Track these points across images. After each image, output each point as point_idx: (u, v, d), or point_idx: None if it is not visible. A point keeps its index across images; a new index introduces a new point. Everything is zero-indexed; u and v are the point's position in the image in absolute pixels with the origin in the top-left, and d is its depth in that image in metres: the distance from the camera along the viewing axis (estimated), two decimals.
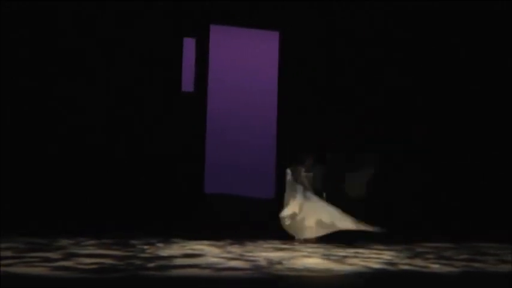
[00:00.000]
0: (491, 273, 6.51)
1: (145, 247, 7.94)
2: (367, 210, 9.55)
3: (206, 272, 5.86)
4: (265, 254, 7.59)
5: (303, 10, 12.19)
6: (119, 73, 11.51)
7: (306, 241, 9.20)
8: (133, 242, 8.50)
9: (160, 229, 10.26)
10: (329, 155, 9.75)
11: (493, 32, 12.95)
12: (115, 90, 11.49)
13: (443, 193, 12.59)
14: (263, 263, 6.67)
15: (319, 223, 9.23)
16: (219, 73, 11.87)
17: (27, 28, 10.98)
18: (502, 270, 6.72)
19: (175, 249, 7.77)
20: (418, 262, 7.17)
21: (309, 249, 8.35)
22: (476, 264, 7.18)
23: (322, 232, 9.26)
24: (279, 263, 6.71)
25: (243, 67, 11.55)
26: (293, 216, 9.27)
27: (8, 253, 6.76)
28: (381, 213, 12.11)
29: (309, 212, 9.26)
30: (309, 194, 9.32)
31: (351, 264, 6.75)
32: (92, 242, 8.36)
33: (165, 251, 7.53)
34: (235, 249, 8.01)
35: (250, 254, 7.49)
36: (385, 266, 6.69)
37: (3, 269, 5.59)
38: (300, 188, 9.33)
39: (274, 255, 7.50)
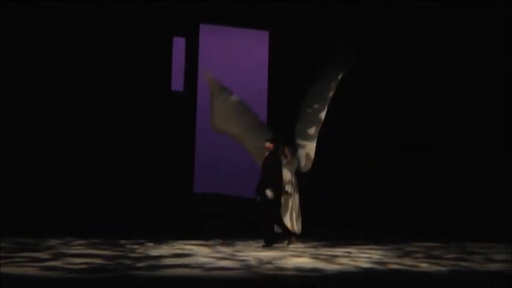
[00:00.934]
0: (479, 272, 6.55)
1: (135, 247, 7.92)
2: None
3: (196, 272, 5.85)
4: (255, 253, 7.60)
5: (293, 10, 12.18)
6: (109, 72, 11.46)
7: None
8: (122, 241, 8.48)
9: (150, 229, 10.23)
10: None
11: (493, 32, 12.97)
12: (104, 89, 11.43)
13: (430, 193, 12.66)
14: (253, 262, 6.68)
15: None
16: None
17: (18, 30, 10.94)
18: (490, 269, 6.76)
19: (165, 249, 7.76)
20: (407, 261, 7.19)
21: (299, 249, 8.36)
22: (464, 263, 7.22)
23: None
24: (269, 262, 6.71)
25: (233, 66, 11.53)
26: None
27: None
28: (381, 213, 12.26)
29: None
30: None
31: (340, 264, 6.76)
32: (81, 241, 8.34)
33: (155, 251, 7.52)
34: (225, 249, 8.02)
35: (240, 254, 7.50)
36: (374, 266, 6.70)
37: None
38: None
39: (264, 254, 7.50)
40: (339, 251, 8.20)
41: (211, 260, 6.82)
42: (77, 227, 10.14)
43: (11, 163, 10.65)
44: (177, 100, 11.86)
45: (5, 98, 10.83)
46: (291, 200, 8.91)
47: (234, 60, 11.74)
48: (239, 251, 7.81)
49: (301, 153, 9.31)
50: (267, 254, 7.54)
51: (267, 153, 8.76)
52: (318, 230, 10.26)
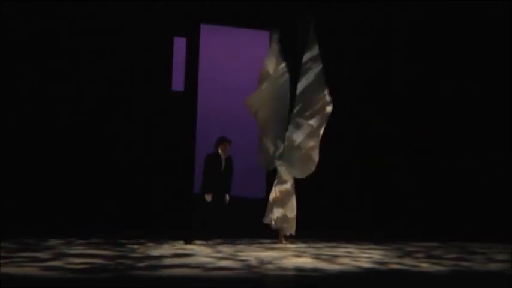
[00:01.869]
0: (479, 272, 6.54)
1: (135, 247, 7.92)
2: None
3: (197, 272, 5.84)
4: (255, 253, 7.60)
5: (293, 10, 12.15)
6: (109, 72, 11.42)
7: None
8: (123, 241, 8.48)
9: (151, 229, 10.23)
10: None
11: (493, 31, 12.91)
12: (105, 89, 11.42)
13: (429, 193, 12.67)
14: (254, 262, 6.67)
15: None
16: (209, 72, 11.72)
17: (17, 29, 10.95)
18: (490, 269, 6.76)
19: (166, 249, 7.76)
20: (408, 261, 7.19)
21: (300, 249, 8.37)
22: (465, 263, 7.22)
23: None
24: (270, 262, 6.71)
25: (233, 67, 11.51)
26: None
27: None
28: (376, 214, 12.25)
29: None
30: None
31: (341, 264, 6.75)
32: (82, 241, 8.34)
33: (156, 251, 7.51)
34: (226, 249, 8.02)
35: (240, 254, 7.49)
36: (375, 265, 6.70)
37: None
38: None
39: (265, 254, 7.50)
40: (339, 251, 8.20)
41: (212, 260, 6.81)
42: (77, 227, 10.13)
43: (11, 163, 10.64)
44: (178, 100, 11.80)
45: (5, 99, 10.82)
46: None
47: (234, 60, 11.72)
48: (240, 251, 7.81)
49: (300, 156, 9.35)
50: (267, 254, 7.53)
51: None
52: (318, 230, 10.26)
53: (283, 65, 9.75)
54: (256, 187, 11.38)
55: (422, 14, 12.94)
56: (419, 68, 13.01)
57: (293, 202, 9.23)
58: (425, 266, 6.82)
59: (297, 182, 9.45)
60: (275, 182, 9.46)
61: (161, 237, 9.11)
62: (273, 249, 8.30)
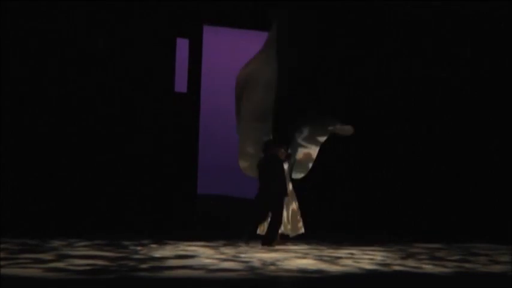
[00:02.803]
0: (483, 274, 6.52)
1: (138, 248, 7.91)
2: None
3: (199, 273, 5.83)
4: (258, 255, 7.58)
5: (297, 11, 12.13)
6: (112, 73, 11.44)
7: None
8: (125, 243, 8.47)
9: (153, 230, 10.18)
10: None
11: (490, 32, 13.00)
12: (108, 90, 11.42)
13: (435, 194, 12.61)
14: (257, 264, 6.65)
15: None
16: (212, 74, 11.88)
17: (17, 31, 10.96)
18: (494, 271, 6.73)
19: (168, 251, 7.75)
20: (411, 263, 7.16)
21: (303, 250, 8.34)
22: (468, 265, 7.18)
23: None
24: (273, 264, 6.68)
25: (236, 68, 11.51)
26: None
27: (0, 254, 6.72)
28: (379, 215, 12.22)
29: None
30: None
31: (344, 266, 6.73)
32: (84, 243, 8.34)
33: (158, 252, 7.50)
34: (229, 250, 8.00)
35: (243, 255, 7.47)
36: (378, 267, 6.67)
37: None
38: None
39: (268, 256, 7.48)
40: (342, 252, 8.16)
41: (215, 261, 6.79)
42: (80, 228, 10.08)
43: (14, 164, 10.64)
44: (181, 102, 11.81)
45: (5, 100, 10.79)
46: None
47: (237, 62, 11.73)
48: (243, 253, 7.78)
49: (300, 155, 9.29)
50: (270, 256, 7.50)
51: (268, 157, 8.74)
52: (321, 231, 10.23)
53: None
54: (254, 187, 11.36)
55: (421, 15, 12.96)
56: (419, 67, 13.01)
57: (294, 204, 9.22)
58: (428, 267, 6.79)
59: (298, 184, 9.42)
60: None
61: (164, 238, 9.08)
62: (275, 250, 8.26)
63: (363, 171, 12.44)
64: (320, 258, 7.34)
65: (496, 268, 6.95)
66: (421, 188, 12.63)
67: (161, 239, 9.02)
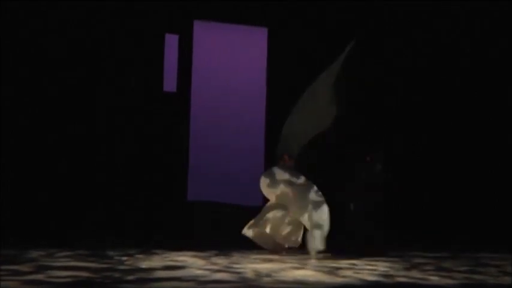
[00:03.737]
0: (492, 286, 6.31)
1: (124, 258, 7.73)
2: None
3: (189, 285, 5.62)
4: (252, 265, 7.41)
5: (293, 5, 12.10)
6: (96, 72, 11.29)
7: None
8: (110, 253, 8.31)
9: (140, 239, 10.11)
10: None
11: (488, 31, 12.97)
12: (91, 90, 11.27)
13: (439, 201, 12.49)
14: (250, 275, 6.46)
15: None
16: (203, 72, 11.68)
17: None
18: (504, 283, 6.50)
19: (156, 261, 7.58)
20: (416, 274, 6.94)
21: (300, 260, 8.15)
22: (477, 276, 6.96)
23: None
24: (268, 275, 6.48)
25: (229, 66, 11.61)
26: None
27: None
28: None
29: None
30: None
31: (343, 277, 6.53)
32: (66, 253, 8.15)
33: (145, 263, 7.33)
34: (221, 261, 7.80)
35: (236, 266, 7.28)
36: (380, 278, 6.45)
37: None
38: None
39: (263, 266, 7.29)
40: (342, 262, 7.93)
41: (206, 272, 6.58)
42: (61, 237, 9.93)
43: None
44: (170, 102, 11.68)
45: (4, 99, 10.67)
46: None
47: (230, 59, 11.78)
48: (235, 263, 7.58)
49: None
50: (265, 266, 7.28)
51: None
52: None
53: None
54: (252, 194, 11.25)
55: (422, 15, 12.90)
56: (419, 68, 12.92)
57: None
58: (434, 279, 6.54)
59: None
60: None
61: (151, 248, 8.90)
62: (271, 261, 8.03)
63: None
64: (319, 269, 7.14)
65: (507, 280, 6.68)
66: (426, 193, 12.52)
67: (148, 249, 8.87)
